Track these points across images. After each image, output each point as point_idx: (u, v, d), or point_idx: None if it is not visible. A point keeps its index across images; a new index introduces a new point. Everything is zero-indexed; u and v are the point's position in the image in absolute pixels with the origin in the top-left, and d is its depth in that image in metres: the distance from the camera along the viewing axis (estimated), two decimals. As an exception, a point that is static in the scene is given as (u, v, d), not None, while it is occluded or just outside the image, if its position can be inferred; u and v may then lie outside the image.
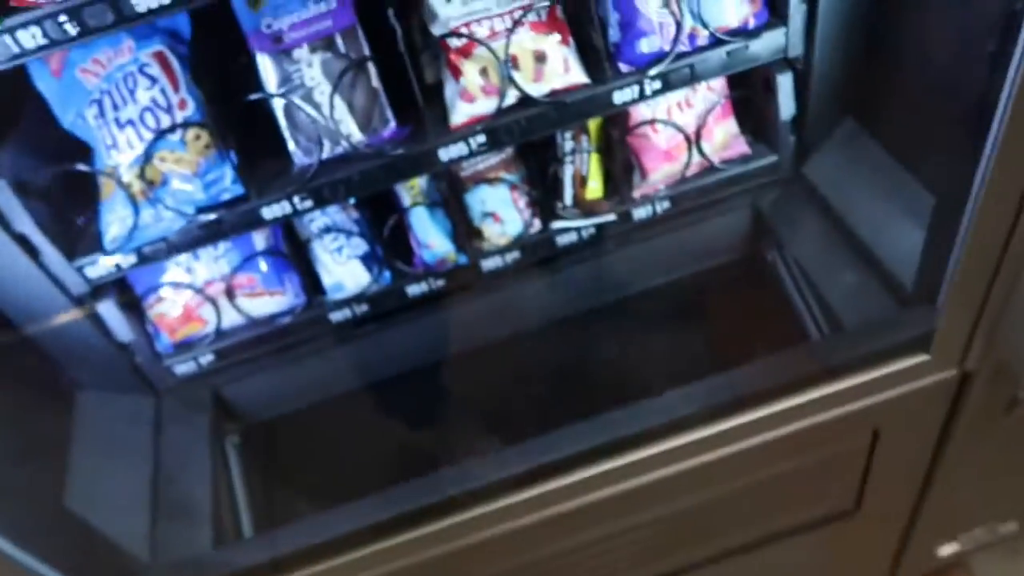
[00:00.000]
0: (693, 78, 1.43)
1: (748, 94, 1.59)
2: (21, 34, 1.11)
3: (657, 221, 1.67)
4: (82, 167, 1.35)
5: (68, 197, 1.40)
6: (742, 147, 1.64)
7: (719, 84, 1.58)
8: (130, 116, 1.34)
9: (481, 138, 1.41)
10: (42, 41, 1.12)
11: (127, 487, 1.47)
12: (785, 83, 1.50)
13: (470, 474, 1.34)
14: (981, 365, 1.37)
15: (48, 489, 1.35)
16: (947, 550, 1.93)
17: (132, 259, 1.41)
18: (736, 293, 1.76)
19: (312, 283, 1.61)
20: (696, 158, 1.59)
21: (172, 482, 1.50)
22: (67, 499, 1.35)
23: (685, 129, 1.55)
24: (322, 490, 1.64)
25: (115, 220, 1.37)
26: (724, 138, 1.62)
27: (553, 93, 1.39)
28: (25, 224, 1.32)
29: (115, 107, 1.35)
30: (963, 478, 1.66)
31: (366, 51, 1.37)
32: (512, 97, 1.38)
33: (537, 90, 1.38)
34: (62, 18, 1.10)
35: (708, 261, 1.76)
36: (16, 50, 1.12)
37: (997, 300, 1.24)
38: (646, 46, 1.38)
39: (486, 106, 1.38)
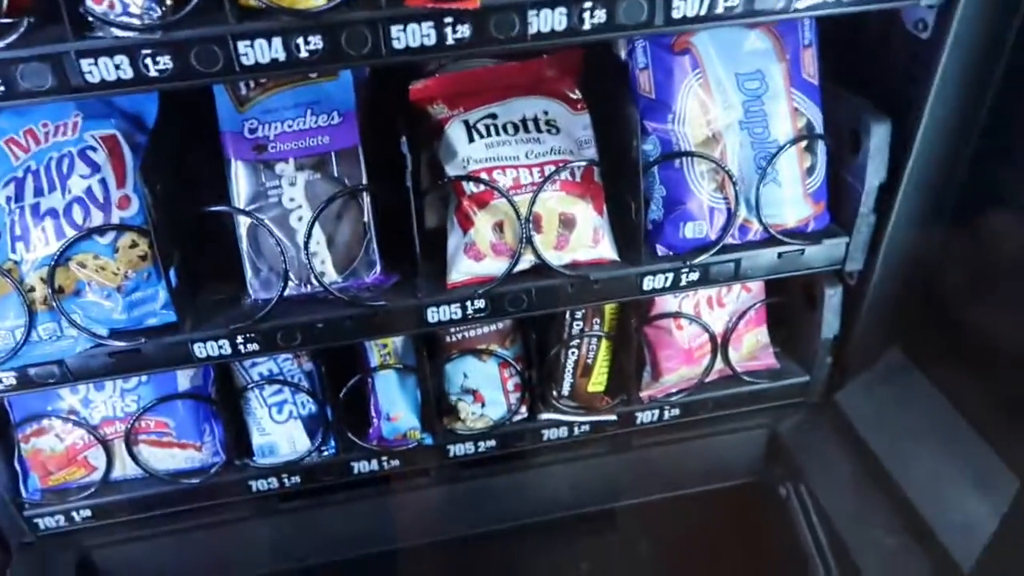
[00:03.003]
0: (736, 275, 1.22)
1: (786, 302, 1.39)
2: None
3: (661, 429, 1.42)
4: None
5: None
6: (770, 360, 1.43)
7: (756, 286, 1.38)
8: (53, 205, 1.06)
9: (480, 303, 1.17)
10: (-47, 94, 0.86)
11: None
12: (833, 298, 1.31)
13: None
14: None
15: None
16: None
17: (11, 379, 1.09)
18: (736, 523, 1.50)
19: (236, 440, 1.29)
20: (718, 364, 1.37)
21: None
22: None
23: (712, 330, 1.33)
24: None
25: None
26: (752, 347, 1.40)
27: (574, 265, 1.17)
28: None
29: (38, 191, 1.07)
30: None
31: (364, 179, 1.13)
32: (527, 262, 1.15)
33: (557, 259, 1.16)
34: (-14, 71, 0.85)
35: (710, 482, 1.50)
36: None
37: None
38: (691, 231, 1.18)
39: (494, 267, 1.15)
